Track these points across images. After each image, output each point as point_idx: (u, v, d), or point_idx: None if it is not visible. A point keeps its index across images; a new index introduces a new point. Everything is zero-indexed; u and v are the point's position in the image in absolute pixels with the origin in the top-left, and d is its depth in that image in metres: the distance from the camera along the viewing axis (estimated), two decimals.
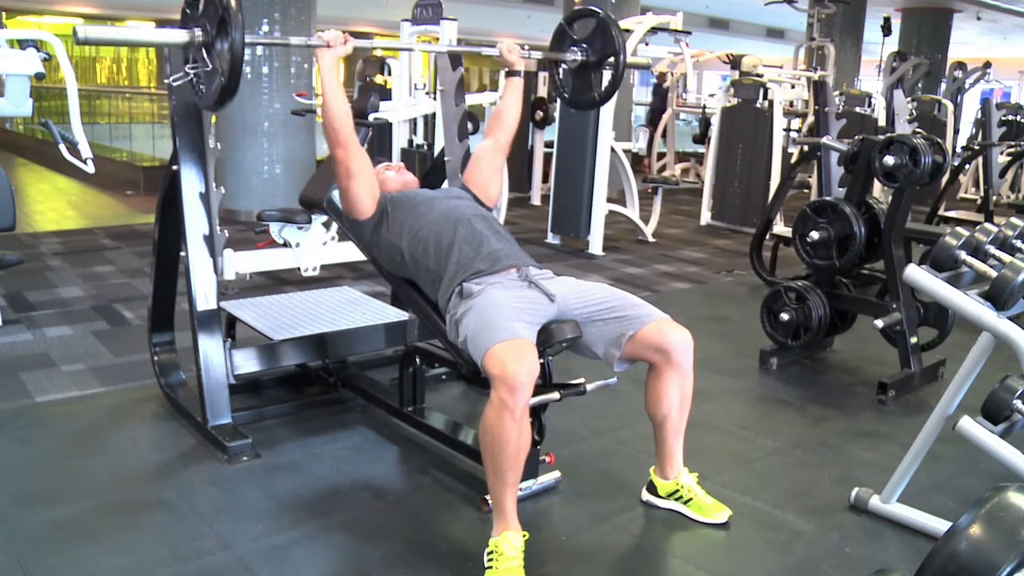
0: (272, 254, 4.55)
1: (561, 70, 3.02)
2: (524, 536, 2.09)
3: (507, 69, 2.81)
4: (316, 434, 2.87)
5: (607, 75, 2.91)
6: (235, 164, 6.59)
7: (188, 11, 2.30)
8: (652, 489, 2.45)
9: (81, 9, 20.36)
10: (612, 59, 2.85)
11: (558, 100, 6.47)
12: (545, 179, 7.52)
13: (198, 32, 2.24)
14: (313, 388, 3.21)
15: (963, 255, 2.25)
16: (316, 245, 4.57)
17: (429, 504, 2.45)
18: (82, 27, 2.10)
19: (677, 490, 2.40)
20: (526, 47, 2.81)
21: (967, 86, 10.61)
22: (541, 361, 2.19)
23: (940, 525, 2.28)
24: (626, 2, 9.30)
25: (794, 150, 7.05)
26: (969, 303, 2.07)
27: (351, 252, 4.59)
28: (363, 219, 2.56)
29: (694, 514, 2.37)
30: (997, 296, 2.06)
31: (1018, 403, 2.01)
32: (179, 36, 2.26)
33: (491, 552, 2.06)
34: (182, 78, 2.38)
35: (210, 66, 2.23)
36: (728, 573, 2.17)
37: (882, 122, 7.37)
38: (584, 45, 2.90)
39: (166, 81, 2.60)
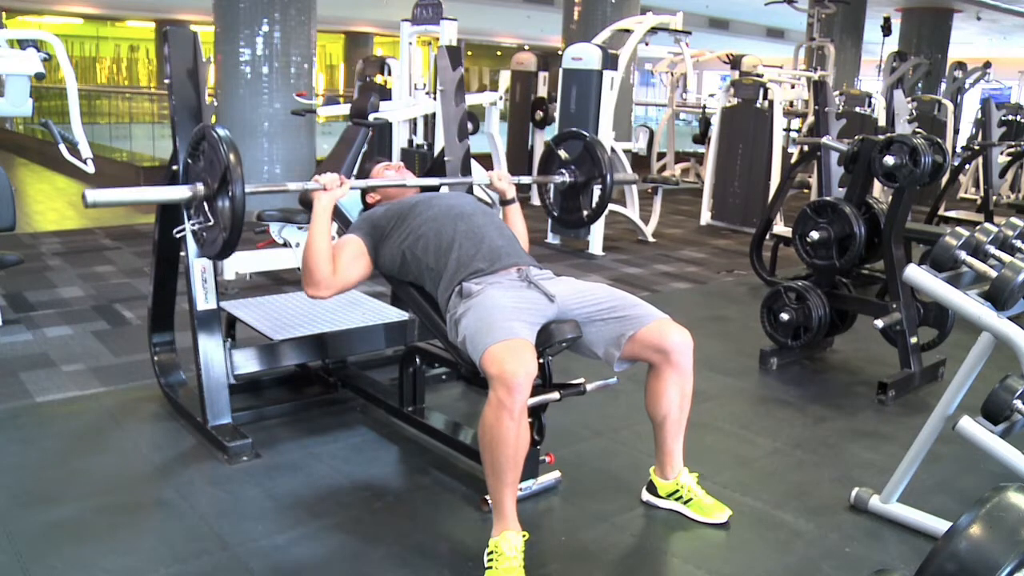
0: (272, 254, 4.55)
1: (551, 191, 3.07)
2: (524, 536, 2.09)
3: (501, 199, 2.81)
4: (316, 434, 2.87)
5: (596, 193, 2.94)
6: None
7: (190, 164, 2.31)
8: (652, 489, 2.45)
9: (81, 9, 20.34)
10: (599, 180, 2.89)
11: (558, 100, 6.48)
12: None
13: (200, 187, 2.25)
14: (313, 388, 3.22)
15: (963, 255, 2.25)
16: None
17: (429, 504, 2.45)
18: (91, 191, 2.10)
19: (677, 490, 2.40)
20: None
21: (967, 86, 10.61)
22: (540, 361, 2.19)
23: (940, 525, 2.28)
24: (626, 2, 9.31)
25: (794, 150, 7.06)
26: (969, 303, 2.07)
27: None
28: (372, 271, 2.58)
29: (694, 514, 2.37)
30: (997, 296, 2.06)
31: (1018, 403, 2.01)
32: (182, 193, 2.27)
33: (491, 552, 2.06)
34: (182, 231, 2.40)
35: (211, 221, 2.24)
36: (728, 573, 2.17)
37: (882, 122, 7.37)
38: (572, 167, 2.96)
39: (174, 232, 2.60)
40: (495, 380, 2.00)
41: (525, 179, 3.00)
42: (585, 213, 2.98)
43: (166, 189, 2.36)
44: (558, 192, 3.04)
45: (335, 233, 4.74)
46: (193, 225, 2.31)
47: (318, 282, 2.43)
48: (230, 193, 2.14)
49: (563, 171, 2.96)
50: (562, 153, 2.97)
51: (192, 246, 2.79)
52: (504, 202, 2.80)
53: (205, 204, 2.25)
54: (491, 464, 2.06)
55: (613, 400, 3.04)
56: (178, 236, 2.66)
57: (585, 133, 2.99)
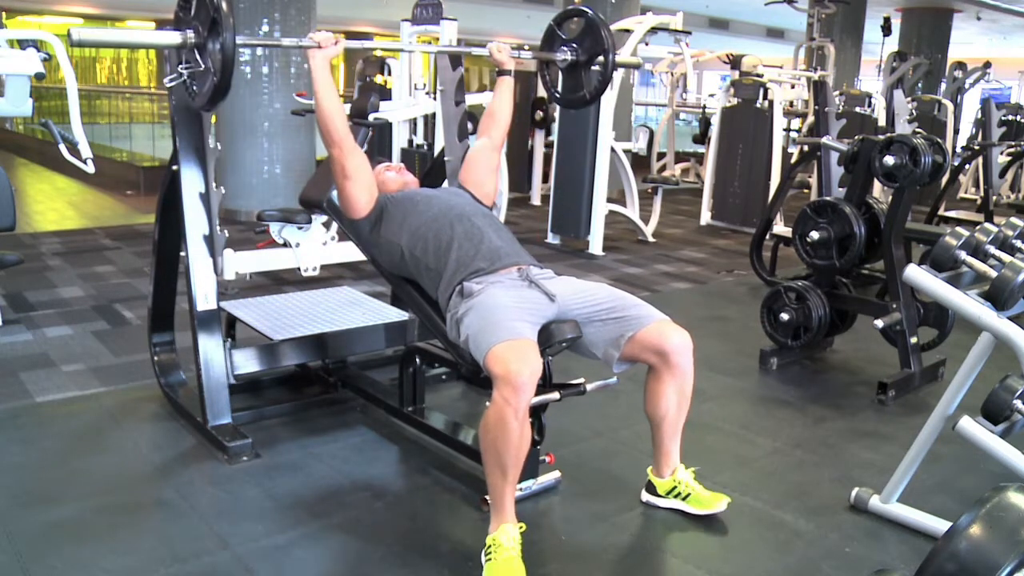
0: (272, 254, 4.55)
1: (552, 69, 3.04)
2: (520, 527, 2.09)
3: (498, 68, 2.82)
4: (316, 434, 2.87)
5: (597, 73, 2.92)
6: (235, 164, 6.59)
7: (181, 13, 2.33)
8: (651, 489, 2.45)
9: (81, 9, 20.34)
10: (601, 57, 2.87)
11: None
12: (545, 179, 7.53)
13: (191, 33, 2.27)
14: (313, 388, 3.21)
15: (963, 255, 2.25)
16: (316, 245, 4.57)
17: (429, 504, 2.45)
18: (76, 29, 2.12)
19: (675, 486, 2.40)
20: (525, 47, 2.83)
21: (967, 86, 10.61)
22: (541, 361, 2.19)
23: (940, 525, 2.28)
24: (626, 2, 9.30)
25: (794, 150, 7.06)
26: (969, 303, 2.07)
27: (351, 252, 4.60)
28: (360, 218, 2.56)
29: (694, 508, 2.37)
30: (997, 296, 2.06)
31: (1018, 403, 2.01)
32: (172, 38, 2.29)
33: (489, 547, 2.06)
34: (176, 78, 2.41)
35: (203, 66, 2.26)
36: (728, 573, 2.17)
37: (882, 122, 7.38)
38: (574, 44, 2.93)
39: (164, 81, 2.62)
40: (500, 380, 2.00)
41: (525, 55, 2.96)
42: (586, 92, 2.96)
43: (156, 33, 2.40)
44: (559, 71, 3.01)
45: (335, 234, 4.75)
46: (182, 69, 2.32)
47: (340, 139, 2.46)
48: (221, 38, 2.16)
49: (565, 48, 2.94)
50: (563, 32, 2.94)
51: (192, 244, 2.79)
52: (500, 72, 2.83)
53: (196, 51, 2.27)
54: (492, 463, 2.06)
55: (613, 400, 3.04)
56: (169, 85, 2.63)
57: (588, 9, 2.95)
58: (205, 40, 2.24)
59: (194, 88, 2.35)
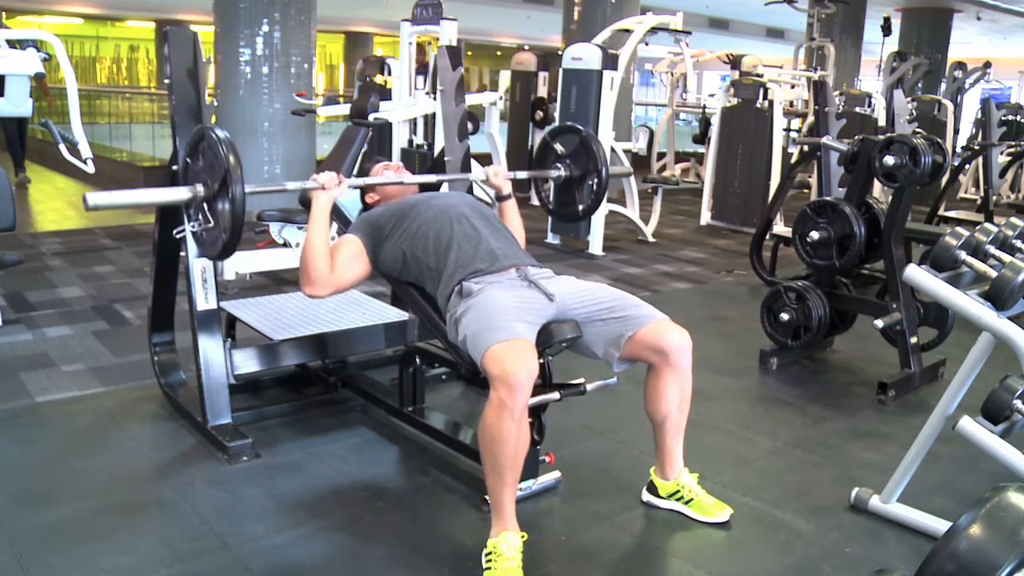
0: (272, 254, 4.55)
1: (545, 186, 3.07)
2: (523, 537, 2.09)
3: (496, 194, 2.81)
4: (316, 434, 2.87)
5: (592, 188, 2.94)
6: None
7: (189, 164, 2.30)
8: (652, 490, 2.45)
9: (81, 9, 20.35)
10: (595, 174, 2.89)
11: (558, 100, 6.48)
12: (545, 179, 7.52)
13: (200, 188, 2.24)
14: (313, 388, 3.21)
15: (963, 255, 2.25)
16: None
17: (429, 504, 2.45)
18: (92, 195, 2.10)
19: (678, 490, 2.40)
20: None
21: (967, 86, 10.61)
22: (541, 361, 2.19)
23: (940, 525, 2.28)
24: (626, 2, 9.30)
25: (794, 150, 7.06)
26: (969, 303, 2.07)
27: None
28: (371, 273, 2.58)
29: (695, 514, 2.37)
30: (997, 296, 2.06)
31: (1018, 403, 2.01)
32: (182, 195, 2.27)
33: (489, 553, 2.06)
34: (182, 232, 2.40)
35: (212, 222, 2.23)
36: (728, 573, 2.17)
37: (882, 122, 7.37)
38: (567, 161, 2.96)
39: (174, 234, 2.60)
40: (496, 380, 2.00)
41: (521, 174, 3.00)
42: (581, 207, 2.97)
43: (166, 191, 2.36)
44: (555, 186, 3.04)
45: (335, 233, 4.75)
46: (193, 226, 2.30)
47: (315, 281, 2.43)
48: (230, 194, 2.14)
49: (559, 165, 2.96)
50: (558, 147, 2.97)
51: (192, 246, 2.79)
52: (500, 198, 2.80)
53: (205, 205, 2.25)
54: (491, 464, 2.06)
55: (613, 400, 3.04)
56: (178, 237, 2.66)
57: (580, 127, 2.99)
58: (214, 195, 2.20)
59: (203, 237, 2.31)
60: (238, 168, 2.14)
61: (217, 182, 2.18)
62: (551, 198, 3.09)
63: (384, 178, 2.74)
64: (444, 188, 3.14)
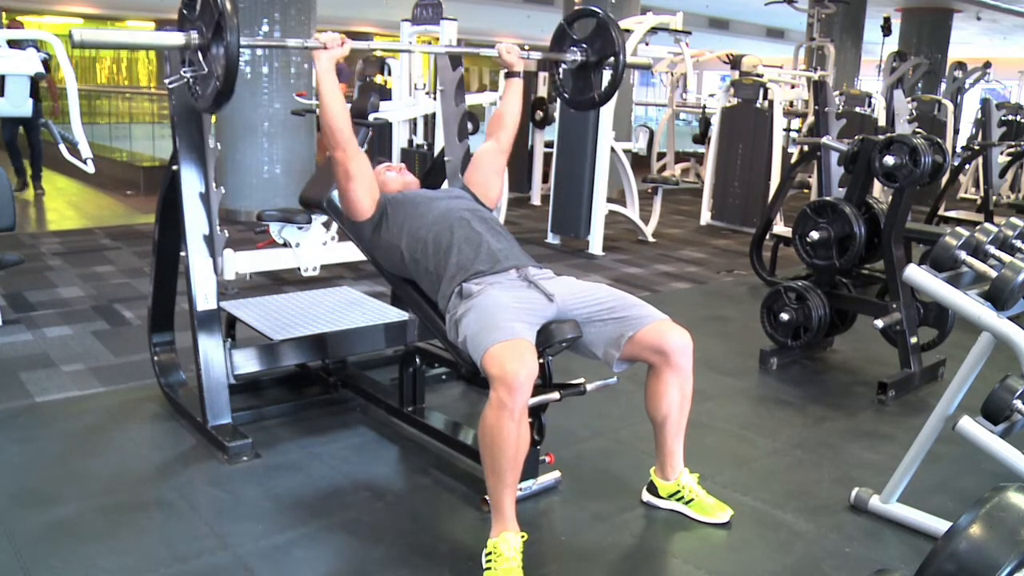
0: (272, 254, 4.55)
1: (561, 70, 3.02)
2: (523, 537, 2.09)
3: (506, 70, 2.81)
4: (316, 434, 2.87)
5: (607, 75, 2.91)
6: (235, 164, 6.59)
7: (185, 13, 2.30)
8: (653, 490, 2.45)
9: (81, 9, 20.36)
10: (612, 59, 2.85)
11: (558, 100, 6.48)
12: (545, 179, 7.53)
13: (194, 35, 2.24)
14: (313, 388, 3.21)
15: (963, 255, 2.25)
16: (316, 245, 4.57)
17: (429, 504, 2.45)
18: (78, 30, 2.10)
19: (678, 491, 2.40)
20: (526, 47, 2.81)
21: (967, 86, 10.61)
22: (541, 361, 2.19)
23: (940, 525, 2.28)
24: (626, 2, 9.30)
25: (794, 150, 7.06)
26: (969, 303, 2.07)
27: (351, 252, 4.60)
28: (362, 220, 2.56)
29: (695, 514, 2.37)
30: (997, 296, 2.06)
31: (1018, 403, 2.01)
32: (175, 39, 2.26)
33: (489, 553, 2.06)
34: (178, 80, 2.39)
35: (206, 69, 2.23)
36: (728, 573, 2.17)
37: (882, 122, 7.38)
38: (584, 45, 2.90)
39: (165, 82, 2.60)
40: (496, 380, 2.00)
41: (535, 54, 2.92)
42: (596, 94, 2.93)
43: (159, 34, 2.35)
44: (569, 72, 2.98)
45: (335, 234, 4.75)
46: (185, 72, 2.29)
47: (343, 141, 2.45)
48: (224, 40, 2.13)
49: (575, 49, 2.91)
50: (574, 32, 2.91)
51: (192, 244, 2.79)
52: (509, 74, 2.80)
53: (199, 53, 2.24)
54: (491, 464, 2.06)
55: (613, 400, 3.04)
56: (170, 86, 2.61)
57: (599, 10, 2.91)
58: (208, 42, 2.21)
59: (197, 90, 2.33)
60: (234, 16, 2.14)
61: (211, 28, 2.18)
62: (566, 85, 3.01)
63: (382, 43, 2.74)
64: (445, 185, 3.13)
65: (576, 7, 2.86)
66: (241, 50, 2.18)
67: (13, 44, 3.99)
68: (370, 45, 2.67)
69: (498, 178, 2.79)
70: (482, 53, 2.94)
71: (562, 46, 2.96)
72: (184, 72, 2.32)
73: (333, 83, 2.47)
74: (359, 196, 2.53)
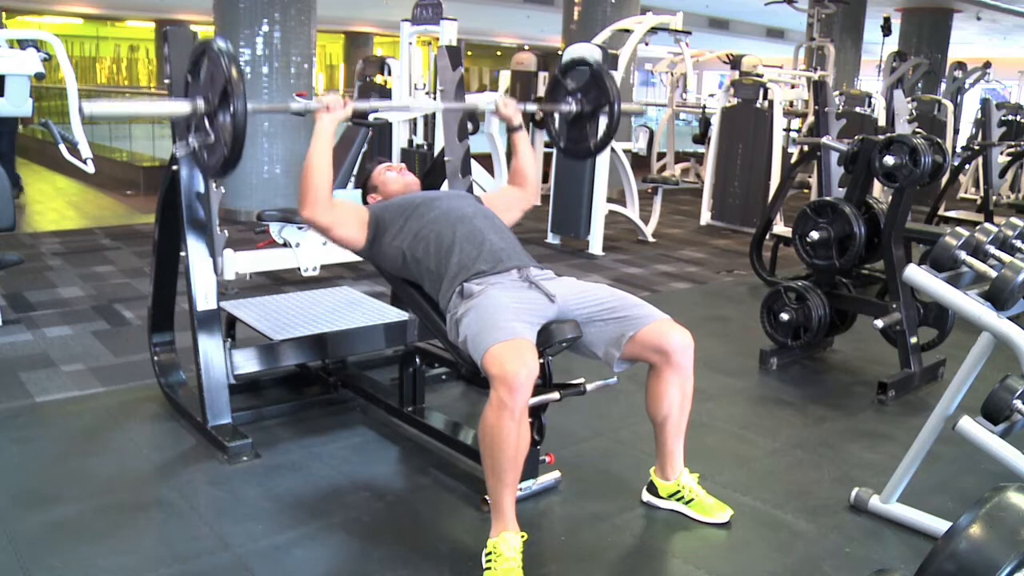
0: (272, 254, 4.55)
1: (556, 120, 3.04)
2: (522, 537, 2.09)
3: (508, 126, 2.79)
4: (316, 434, 2.87)
5: (602, 122, 2.91)
6: None
7: (190, 79, 2.28)
8: (653, 490, 2.45)
9: (81, 9, 20.34)
10: (606, 108, 2.86)
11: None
12: (545, 179, 7.53)
13: (200, 103, 2.21)
14: (313, 388, 3.21)
15: (963, 255, 2.25)
16: (316, 245, 4.57)
17: (429, 504, 2.45)
18: (87, 104, 2.08)
19: (678, 491, 2.40)
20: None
21: (967, 86, 10.61)
22: (541, 361, 2.19)
23: (940, 525, 2.28)
24: (626, 2, 9.30)
25: (794, 150, 7.06)
26: (969, 303, 2.07)
27: (351, 252, 4.59)
28: (361, 248, 2.57)
29: (696, 514, 2.38)
30: (997, 296, 2.06)
31: (1018, 403, 2.01)
32: (181, 108, 2.23)
33: (489, 553, 2.06)
34: (185, 148, 2.36)
35: (213, 138, 2.20)
36: (728, 573, 2.17)
37: (882, 122, 7.37)
38: (579, 95, 2.92)
39: (174, 152, 2.57)
40: (496, 380, 2.00)
41: (531, 106, 2.93)
42: (592, 143, 2.93)
43: (166, 103, 2.32)
44: (564, 122, 2.99)
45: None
46: (192, 141, 2.27)
47: (313, 201, 2.39)
48: (232, 108, 2.09)
49: (570, 99, 2.92)
50: (569, 82, 2.93)
51: (192, 244, 2.79)
52: (511, 129, 2.79)
53: (206, 120, 2.21)
54: (491, 464, 2.06)
55: (613, 400, 3.04)
56: (179, 156, 2.61)
57: (591, 60, 2.93)
58: (215, 110, 2.17)
59: (204, 156, 2.29)
60: (240, 81, 2.09)
61: (218, 95, 2.14)
62: (562, 134, 3.02)
63: (386, 103, 2.73)
64: (445, 186, 3.13)
65: (569, 58, 2.82)
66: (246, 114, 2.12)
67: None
68: (373, 104, 2.66)
69: (513, 212, 2.79)
70: (479, 108, 2.93)
71: (556, 96, 2.97)
72: (191, 141, 2.28)
73: (327, 143, 2.42)
74: (348, 235, 2.52)
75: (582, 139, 2.95)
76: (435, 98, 5.15)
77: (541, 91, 8.50)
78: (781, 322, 3.71)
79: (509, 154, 2.88)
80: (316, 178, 2.38)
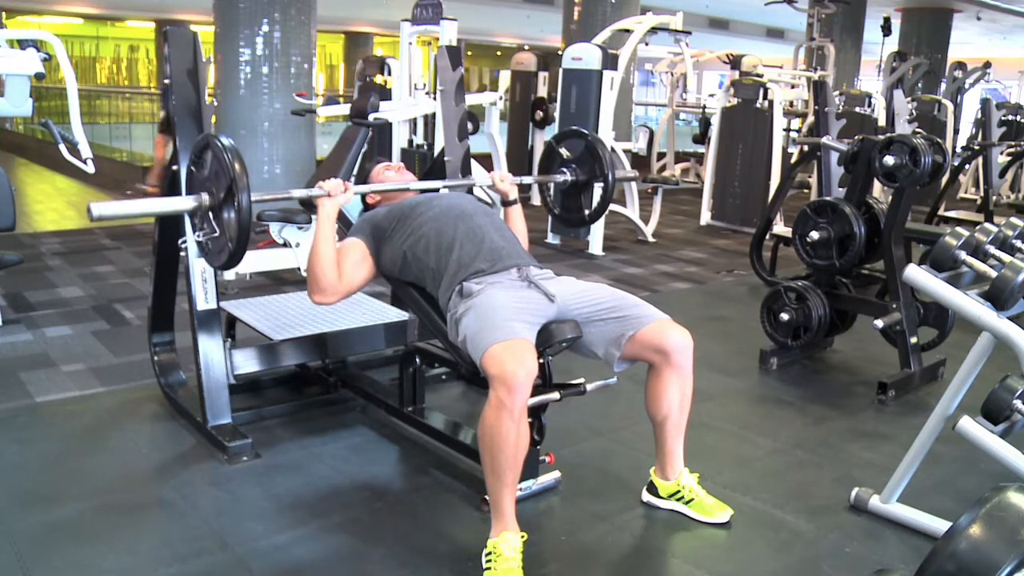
0: (272, 254, 4.55)
1: (551, 189, 3.05)
2: (522, 537, 2.09)
3: (503, 199, 2.80)
4: (316, 434, 2.87)
5: (597, 192, 2.93)
6: None
7: (193, 171, 2.28)
8: (653, 490, 2.45)
9: (81, 9, 20.34)
10: (601, 179, 2.87)
11: (558, 100, 6.48)
12: None
13: (205, 198, 2.21)
14: (313, 388, 3.21)
15: (963, 255, 2.25)
16: None
17: (429, 504, 2.45)
18: (96, 206, 2.07)
19: (678, 491, 2.40)
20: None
21: (967, 86, 10.60)
22: (541, 361, 2.19)
23: (940, 525, 2.28)
24: (626, 2, 9.30)
25: (794, 150, 7.06)
26: (969, 303, 2.07)
27: None
28: (376, 274, 2.58)
29: (696, 514, 2.37)
30: (997, 296, 2.06)
31: (1018, 403, 2.01)
32: (186, 204, 2.24)
33: (489, 553, 2.06)
34: (186, 243, 2.37)
35: (217, 232, 2.21)
36: (728, 573, 2.17)
37: (882, 122, 7.37)
38: (573, 165, 2.94)
39: (180, 244, 2.55)
40: (495, 380, 2.00)
41: (527, 179, 3.00)
42: (586, 212, 2.97)
43: (171, 201, 2.33)
44: (559, 191, 3.03)
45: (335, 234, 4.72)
46: (198, 236, 2.28)
47: (324, 289, 2.43)
48: (236, 203, 2.10)
49: (564, 170, 2.95)
50: (563, 152, 2.97)
51: (194, 252, 2.79)
52: (506, 203, 2.79)
53: (210, 214, 2.23)
54: (490, 464, 2.06)
55: (613, 400, 3.04)
56: (182, 247, 2.64)
57: (586, 132, 2.98)
58: (220, 204, 2.17)
59: (209, 247, 2.28)
60: (244, 176, 2.10)
61: (223, 191, 2.15)
62: (556, 203, 3.07)
63: (389, 184, 2.74)
64: (443, 190, 3.13)
65: (564, 129, 2.83)
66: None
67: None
68: (374, 188, 2.69)
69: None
70: (476, 184, 2.96)
71: (551, 166, 2.99)
72: (197, 236, 2.29)
73: (331, 231, 2.44)
74: (363, 280, 2.54)
75: (576, 208, 2.99)
76: (435, 98, 5.15)
77: (541, 91, 8.52)
78: (781, 322, 3.71)
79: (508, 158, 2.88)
80: (323, 266, 2.41)
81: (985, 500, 1.09)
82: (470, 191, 3.03)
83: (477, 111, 6.05)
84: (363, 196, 2.81)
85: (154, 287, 3.12)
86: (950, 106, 8.90)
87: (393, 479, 2.65)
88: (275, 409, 3.03)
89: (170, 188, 2.88)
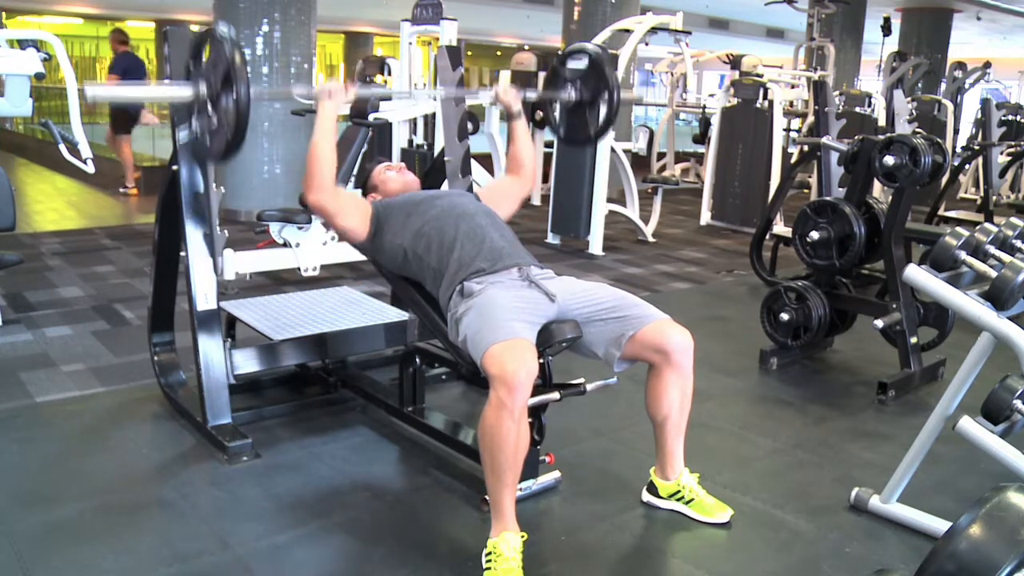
0: (272, 254, 4.55)
1: (556, 108, 3.03)
2: (522, 537, 2.09)
3: (507, 113, 2.79)
4: (316, 434, 2.87)
5: (602, 110, 2.91)
6: (235, 164, 6.57)
7: (192, 64, 2.27)
8: (653, 490, 2.45)
9: (81, 9, 20.32)
10: (606, 96, 2.86)
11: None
12: (545, 179, 7.53)
13: (203, 87, 2.20)
14: (313, 388, 3.21)
15: (963, 255, 2.25)
16: (316, 245, 4.58)
17: (429, 504, 2.45)
18: (90, 88, 2.07)
19: (678, 491, 2.40)
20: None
21: (967, 86, 10.60)
22: (541, 361, 2.19)
23: (940, 525, 2.28)
24: (626, 2, 9.30)
25: (794, 150, 7.06)
26: (969, 303, 2.07)
27: (351, 252, 4.59)
28: (362, 241, 2.57)
29: (696, 514, 2.37)
30: (997, 296, 2.06)
31: (1018, 403, 2.01)
32: (183, 92, 2.23)
33: (489, 553, 2.06)
34: (187, 134, 2.35)
35: (215, 123, 2.20)
36: (728, 573, 2.17)
37: (882, 122, 7.37)
38: (578, 83, 2.92)
39: (178, 137, 2.56)
40: (496, 380, 2.00)
41: (531, 94, 2.94)
42: (592, 130, 2.94)
43: (168, 88, 2.31)
44: (564, 110, 3.00)
45: (335, 234, 4.74)
46: (196, 127, 2.27)
47: (318, 186, 2.41)
48: (234, 92, 2.09)
49: (569, 88, 2.92)
50: (569, 69, 2.92)
51: (192, 244, 2.79)
52: (510, 116, 2.79)
53: (209, 104, 2.21)
54: (490, 464, 2.06)
55: (613, 400, 3.04)
56: (182, 143, 2.60)
57: (591, 48, 2.93)
58: (218, 94, 2.16)
59: (207, 141, 2.29)
60: (243, 66, 2.09)
61: (220, 79, 2.14)
62: (562, 122, 3.03)
63: (383, 90, 2.74)
64: (445, 186, 3.13)
65: (570, 46, 2.84)
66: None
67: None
68: (374, 92, 2.67)
69: (513, 204, 2.82)
70: (479, 97, 2.93)
71: (556, 85, 2.97)
72: (194, 126, 2.28)
73: (331, 131, 2.45)
74: (351, 225, 2.53)
75: (582, 127, 2.96)
76: (435, 98, 5.16)
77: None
78: (781, 322, 3.71)
79: (508, 147, 2.88)
80: (321, 163, 2.41)
81: (985, 500, 1.09)
82: (470, 189, 3.03)
83: (477, 111, 6.05)
84: (364, 193, 2.82)
85: (154, 287, 3.12)
86: (950, 106, 8.91)
87: (393, 479, 2.65)
88: (275, 409, 3.03)
89: (169, 188, 2.88)
